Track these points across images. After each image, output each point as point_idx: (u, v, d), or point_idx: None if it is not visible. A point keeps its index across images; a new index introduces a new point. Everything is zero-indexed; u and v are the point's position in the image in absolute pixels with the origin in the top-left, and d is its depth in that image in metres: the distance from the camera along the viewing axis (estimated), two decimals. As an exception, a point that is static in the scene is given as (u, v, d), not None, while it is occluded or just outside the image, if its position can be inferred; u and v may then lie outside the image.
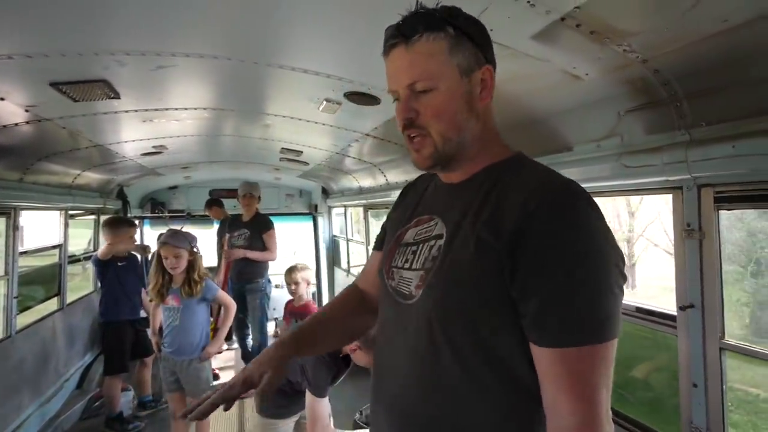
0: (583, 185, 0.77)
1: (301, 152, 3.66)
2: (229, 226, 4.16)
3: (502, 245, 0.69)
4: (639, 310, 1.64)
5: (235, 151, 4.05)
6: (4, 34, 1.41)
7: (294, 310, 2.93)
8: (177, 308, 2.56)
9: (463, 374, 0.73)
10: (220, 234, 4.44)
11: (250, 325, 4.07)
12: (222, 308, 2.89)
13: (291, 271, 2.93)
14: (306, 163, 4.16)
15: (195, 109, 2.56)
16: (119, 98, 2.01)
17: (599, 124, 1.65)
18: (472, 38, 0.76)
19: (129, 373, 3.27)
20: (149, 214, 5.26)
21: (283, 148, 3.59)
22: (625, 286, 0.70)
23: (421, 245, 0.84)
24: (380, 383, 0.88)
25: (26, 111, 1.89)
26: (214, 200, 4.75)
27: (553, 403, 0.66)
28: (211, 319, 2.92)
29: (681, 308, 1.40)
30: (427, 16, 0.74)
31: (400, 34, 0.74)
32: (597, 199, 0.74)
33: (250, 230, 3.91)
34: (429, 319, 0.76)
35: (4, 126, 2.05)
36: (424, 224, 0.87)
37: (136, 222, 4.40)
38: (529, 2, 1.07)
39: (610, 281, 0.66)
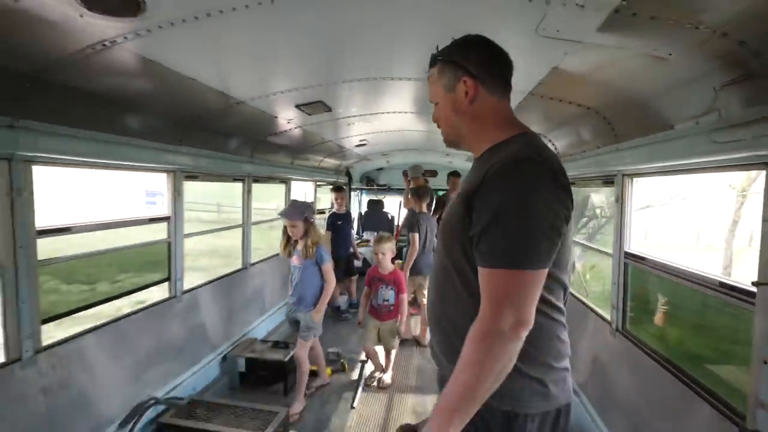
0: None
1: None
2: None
3: (467, 199, 0.93)
4: (722, 285, 1.50)
5: (418, 141, 4.88)
6: (280, 80, 2.28)
7: (379, 276, 3.09)
8: (298, 267, 2.85)
9: (451, 287, 1.02)
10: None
11: None
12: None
13: (380, 241, 3.09)
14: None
15: (383, 113, 3.35)
16: (330, 111, 3.11)
17: (697, 101, 1.50)
18: (453, 62, 1.02)
19: (344, 284, 4.72)
20: (365, 187, 7.05)
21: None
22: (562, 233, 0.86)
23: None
24: (429, 289, 1.21)
25: (288, 122, 3.22)
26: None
27: (481, 303, 0.88)
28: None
29: (758, 284, 1.25)
30: (431, 57, 1.08)
31: (429, 71, 1.11)
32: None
33: None
34: (440, 246, 1.10)
35: (284, 131, 3.53)
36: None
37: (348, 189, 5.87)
38: (577, 4, 1.21)
39: (528, 226, 0.83)
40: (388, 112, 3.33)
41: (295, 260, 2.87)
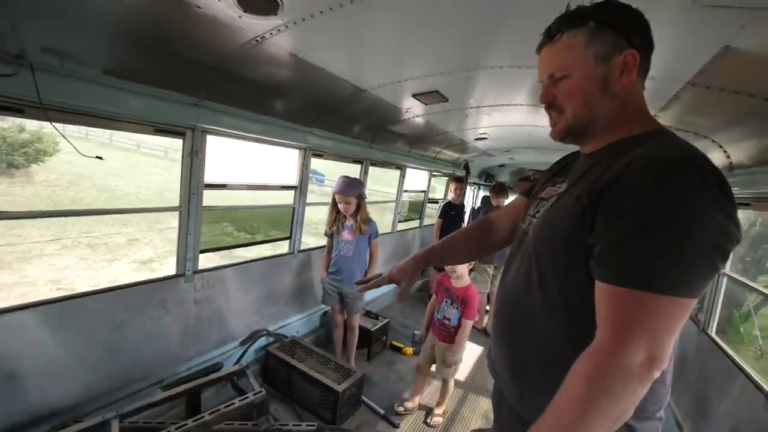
0: None
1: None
2: None
3: (589, 199, 0.76)
4: None
5: (544, 139, 4.39)
6: (399, 70, 2.30)
7: (447, 287, 2.58)
8: (351, 241, 2.85)
9: (539, 298, 0.87)
10: None
11: None
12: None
13: None
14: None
15: (504, 105, 3.11)
16: (447, 101, 3.09)
17: None
18: (616, 27, 0.80)
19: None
20: (482, 182, 6.74)
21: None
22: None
23: (548, 200, 0.96)
24: (498, 297, 1.07)
25: (406, 111, 3.33)
26: (524, 178, 5.38)
27: (597, 328, 0.71)
28: None
29: None
30: (570, 16, 0.83)
31: (547, 35, 0.87)
32: None
33: None
34: (530, 250, 0.91)
35: (403, 120, 3.67)
36: (557, 185, 0.98)
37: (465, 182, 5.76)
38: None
39: (688, 242, 0.64)
40: (509, 105, 3.11)
41: (347, 235, 2.85)
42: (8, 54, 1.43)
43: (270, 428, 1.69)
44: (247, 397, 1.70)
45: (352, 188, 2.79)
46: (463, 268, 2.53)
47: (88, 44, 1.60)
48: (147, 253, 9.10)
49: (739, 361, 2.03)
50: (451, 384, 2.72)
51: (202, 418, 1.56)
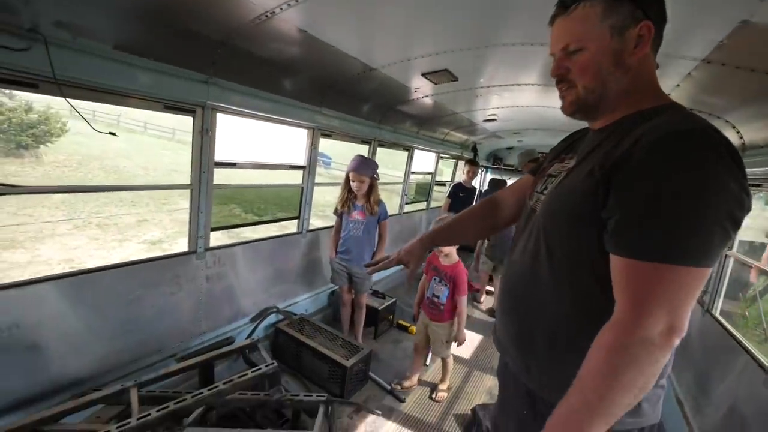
0: None
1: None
2: None
3: (602, 174, 0.75)
4: None
5: (555, 121, 4.29)
6: (409, 47, 2.26)
7: (435, 265, 2.61)
8: (361, 221, 2.85)
9: (549, 268, 0.87)
10: None
11: None
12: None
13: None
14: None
15: (515, 85, 3.06)
16: (456, 80, 3.03)
17: None
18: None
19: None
20: (490, 165, 6.68)
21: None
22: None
23: (557, 176, 0.96)
24: (505, 274, 1.08)
25: (415, 91, 3.28)
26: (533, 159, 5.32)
27: (616, 302, 0.72)
28: None
29: None
30: None
31: (561, 5, 0.85)
32: None
33: None
34: (538, 225, 0.92)
35: (412, 99, 3.61)
36: (565, 161, 0.98)
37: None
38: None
39: (703, 212, 0.64)
40: (520, 84, 3.05)
41: (357, 215, 2.85)
42: (22, 28, 1.42)
43: (281, 398, 1.76)
44: (260, 369, 1.77)
45: (367, 168, 2.77)
46: (450, 248, 2.52)
47: (99, 18, 1.59)
48: (156, 234, 9.23)
49: (742, 339, 2.05)
50: (450, 361, 2.77)
51: (216, 387, 1.62)
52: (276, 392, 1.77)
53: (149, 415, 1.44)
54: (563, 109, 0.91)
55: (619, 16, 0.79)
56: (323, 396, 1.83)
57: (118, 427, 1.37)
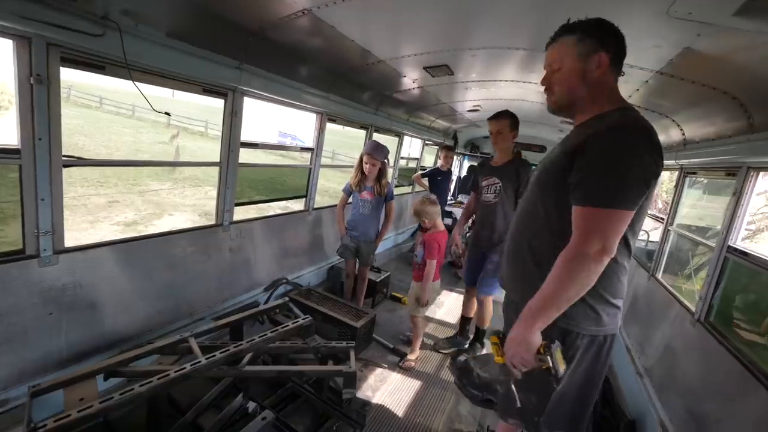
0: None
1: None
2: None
3: (571, 153, 1.12)
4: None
5: (532, 113, 4.75)
6: (415, 44, 2.56)
7: (422, 234, 2.85)
8: (370, 201, 3.12)
9: (538, 224, 1.26)
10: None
11: None
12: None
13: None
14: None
15: (500, 81, 3.43)
16: (453, 75, 3.36)
17: None
18: (593, 36, 1.15)
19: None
20: (468, 153, 7.16)
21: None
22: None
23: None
24: (510, 228, 1.45)
25: (413, 81, 3.57)
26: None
27: (572, 233, 1.08)
28: None
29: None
30: (567, 26, 1.20)
31: (551, 37, 1.24)
32: None
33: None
34: (533, 188, 1.33)
35: (406, 89, 3.91)
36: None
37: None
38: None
39: (624, 174, 1.00)
40: (505, 80, 3.43)
41: (366, 195, 3.11)
42: (96, 15, 1.58)
43: (318, 345, 2.07)
44: (298, 321, 2.06)
45: (381, 152, 3.03)
46: (438, 222, 2.74)
47: (155, 7, 1.76)
48: (130, 215, 8.96)
49: (675, 292, 2.61)
50: (420, 323, 2.88)
51: (265, 335, 1.90)
52: (312, 341, 2.08)
53: (214, 355, 1.71)
54: (548, 108, 1.31)
55: (584, 47, 1.15)
56: (352, 343, 2.17)
57: (192, 364, 1.63)
